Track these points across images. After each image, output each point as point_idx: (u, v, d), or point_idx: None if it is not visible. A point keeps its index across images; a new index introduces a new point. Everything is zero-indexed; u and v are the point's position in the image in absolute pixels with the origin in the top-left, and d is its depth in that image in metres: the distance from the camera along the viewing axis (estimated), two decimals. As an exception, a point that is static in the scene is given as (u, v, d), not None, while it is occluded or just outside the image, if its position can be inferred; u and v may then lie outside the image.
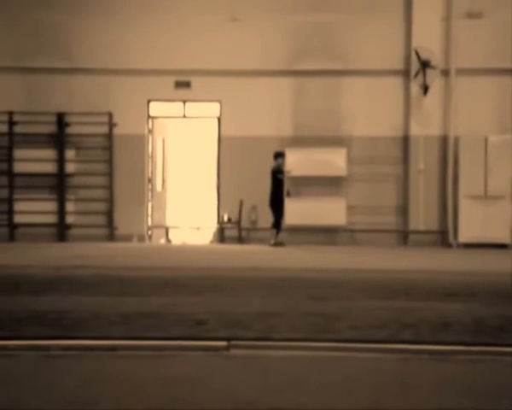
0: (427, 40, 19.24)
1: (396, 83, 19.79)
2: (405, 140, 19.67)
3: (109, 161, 19.88)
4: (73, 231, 19.92)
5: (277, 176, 18.23)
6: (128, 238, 19.67)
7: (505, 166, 18.66)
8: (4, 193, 20.05)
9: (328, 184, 19.64)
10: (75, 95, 19.83)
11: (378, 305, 7.03)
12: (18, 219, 19.92)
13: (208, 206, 21.63)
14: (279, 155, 18.41)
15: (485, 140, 18.73)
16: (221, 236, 20.06)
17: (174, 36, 19.73)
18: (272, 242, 18.19)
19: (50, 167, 19.82)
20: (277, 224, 18.29)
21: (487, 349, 5.09)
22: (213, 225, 20.64)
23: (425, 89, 19.19)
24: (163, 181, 21.44)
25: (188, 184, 23.63)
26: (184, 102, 20.30)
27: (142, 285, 8.61)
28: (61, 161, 19.86)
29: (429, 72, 19.12)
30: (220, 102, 20.06)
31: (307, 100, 19.92)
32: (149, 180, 20.52)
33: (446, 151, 19.40)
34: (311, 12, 19.64)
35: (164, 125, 21.37)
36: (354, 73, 19.70)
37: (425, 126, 19.40)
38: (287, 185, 18.66)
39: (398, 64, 19.74)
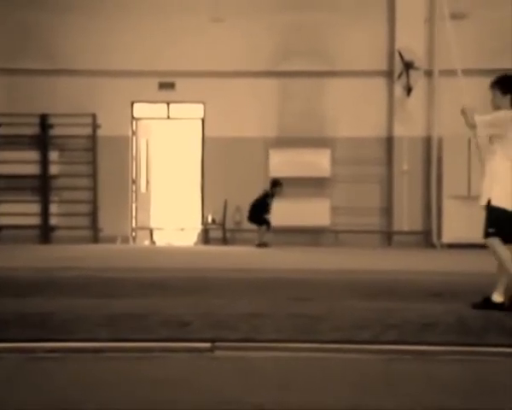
0: (411, 41, 19.28)
1: (379, 84, 19.81)
2: (389, 141, 19.69)
3: (93, 163, 19.81)
4: (57, 233, 19.83)
5: (266, 200, 18.05)
6: (112, 240, 19.61)
7: (488, 166, 18.70)
8: (-13, 195, 19.96)
9: (312, 185, 19.64)
10: (58, 96, 19.74)
11: (362, 306, 7.05)
12: (1, 221, 19.81)
13: (192, 207, 21.60)
14: (278, 184, 18.19)
15: (469, 141, 18.78)
16: (205, 237, 20.03)
17: (158, 37, 19.69)
18: (257, 242, 18.16)
19: (34, 169, 19.71)
20: (264, 223, 18.16)
21: (471, 349, 5.12)
22: (198, 227, 20.62)
23: (408, 90, 19.23)
24: (147, 182, 21.39)
25: (172, 185, 23.60)
26: (168, 103, 20.26)
27: (127, 287, 8.61)
28: (44, 162, 19.77)
29: (413, 73, 19.16)
30: (204, 103, 20.03)
31: (291, 101, 19.92)
32: (133, 182, 20.46)
33: (430, 152, 19.43)
34: (294, 12, 19.65)
35: (148, 127, 21.31)
36: (338, 73, 19.71)
37: (409, 127, 19.43)
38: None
39: (382, 65, 19.77)
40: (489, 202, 7.02)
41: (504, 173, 6.97)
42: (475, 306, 6.87)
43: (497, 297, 6.85)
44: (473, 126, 7.16)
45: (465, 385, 4.26)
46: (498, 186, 6.96)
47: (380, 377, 4.42)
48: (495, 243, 6.95)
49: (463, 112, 7.21)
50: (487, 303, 6.85)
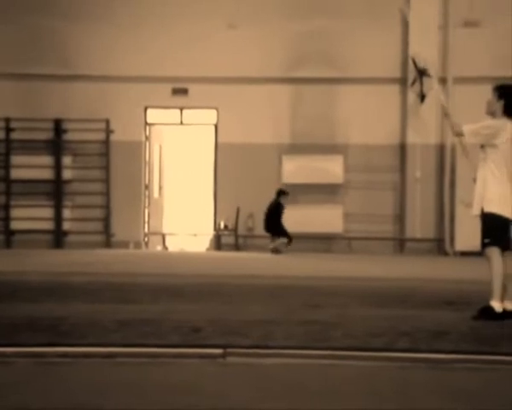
0: (424, 48, 19.23)
1: (393, 91, 19.77)
2: (402, 148, 19.65)
3: (106, 168, 19.84)
4: (70, 238, 19.87)
5: (280, 211, 18.10)
6: (125, 245, 19.63)
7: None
8: (1, 199, 19.98)
9: (324, 192, 19.60)
10: (72, 101, 19.79)
11: (374, 313, 7.03)
12: (15, 225, 19.87)
13: (205, 213, 21.60)
14: (282, 194, 18.22)
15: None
16: (218, 243, 20.02)
17: (171, 43, 19.70)
18: (271, 246, 18.15)
19: (47, 174, 19.76)
20: (282, 234, 18.17)
21: (484, 358, 5.10)
22: (210, 232, 20.63)
23: (422, 97, 19.17)
24: (160, 188, 21.40)
25: (184, 190, 23.61)
26: (181, 109, 20.27)
27: (139, 292, 8.62)
28: (57, 167, 19.81)
29: (426, 80, 19.12)
30: (217, 109, 20.04)
31: (304, 107, 19.89)
32: (146, 187, 20.48)
33: (443, 159, 19.38)
34: (308, 19, 19.63)
35: (161, 132, 21.34)
36: (351, 80, 19.67)
37: (422, 134, 19.39)
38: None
39: (395, 72, 19.73)
40: (482, 210, 6.97)
41: (495, 180, 6.94)
42: (475, 317, 6.68)
43: (496, 305, 6.71)
44: (459, 134, 7.25)
45: (477, 394, 4.24)
46: (490, 192, 6.94)
47: (392, 385, 4.40)
48: (493, 254, 6.87)
49: (446, 115, 7.32)
50: (487, 312, 6.70)
